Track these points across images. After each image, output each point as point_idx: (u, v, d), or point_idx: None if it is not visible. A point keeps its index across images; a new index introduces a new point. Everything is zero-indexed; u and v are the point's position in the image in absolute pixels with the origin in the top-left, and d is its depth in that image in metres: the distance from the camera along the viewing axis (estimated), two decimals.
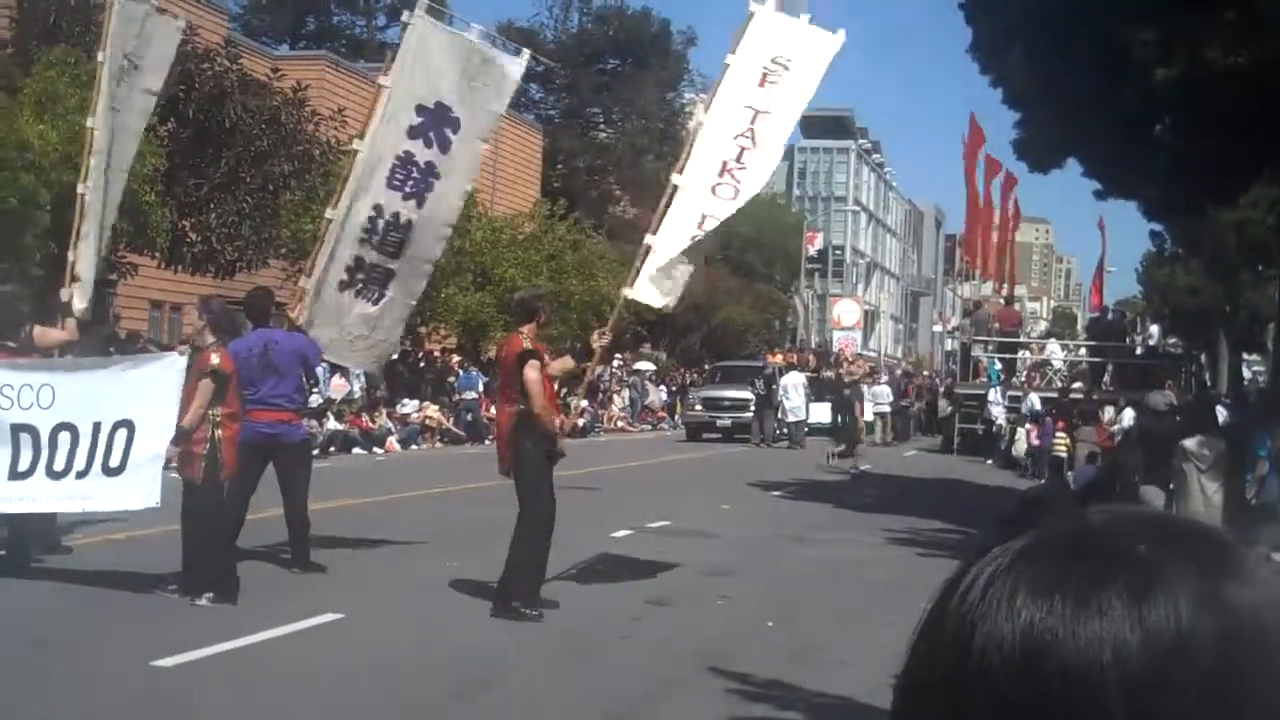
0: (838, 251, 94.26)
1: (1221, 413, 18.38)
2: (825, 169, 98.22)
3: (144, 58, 12.11)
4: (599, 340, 11.37)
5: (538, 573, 10.17)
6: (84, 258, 12.03)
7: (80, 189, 11.31)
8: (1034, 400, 30.47)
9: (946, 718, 0.85)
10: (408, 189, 12.38)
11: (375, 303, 12.61)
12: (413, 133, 12.33)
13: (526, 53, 13.27)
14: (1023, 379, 34.06)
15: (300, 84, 26.25)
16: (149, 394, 10.17)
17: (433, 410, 30.62)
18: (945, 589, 0.89)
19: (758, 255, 70.61)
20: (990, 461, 31.65)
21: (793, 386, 36.27)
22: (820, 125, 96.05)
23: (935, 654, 0.87)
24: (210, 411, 10.06)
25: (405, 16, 12.88)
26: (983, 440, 33.40)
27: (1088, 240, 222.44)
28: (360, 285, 12.51)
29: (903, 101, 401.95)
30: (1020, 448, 30.40)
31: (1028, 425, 30.19)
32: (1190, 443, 12.83)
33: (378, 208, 12.35)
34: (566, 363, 11.80)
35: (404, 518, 16.14)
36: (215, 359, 10.14)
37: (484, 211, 37.65)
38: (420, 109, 12.34)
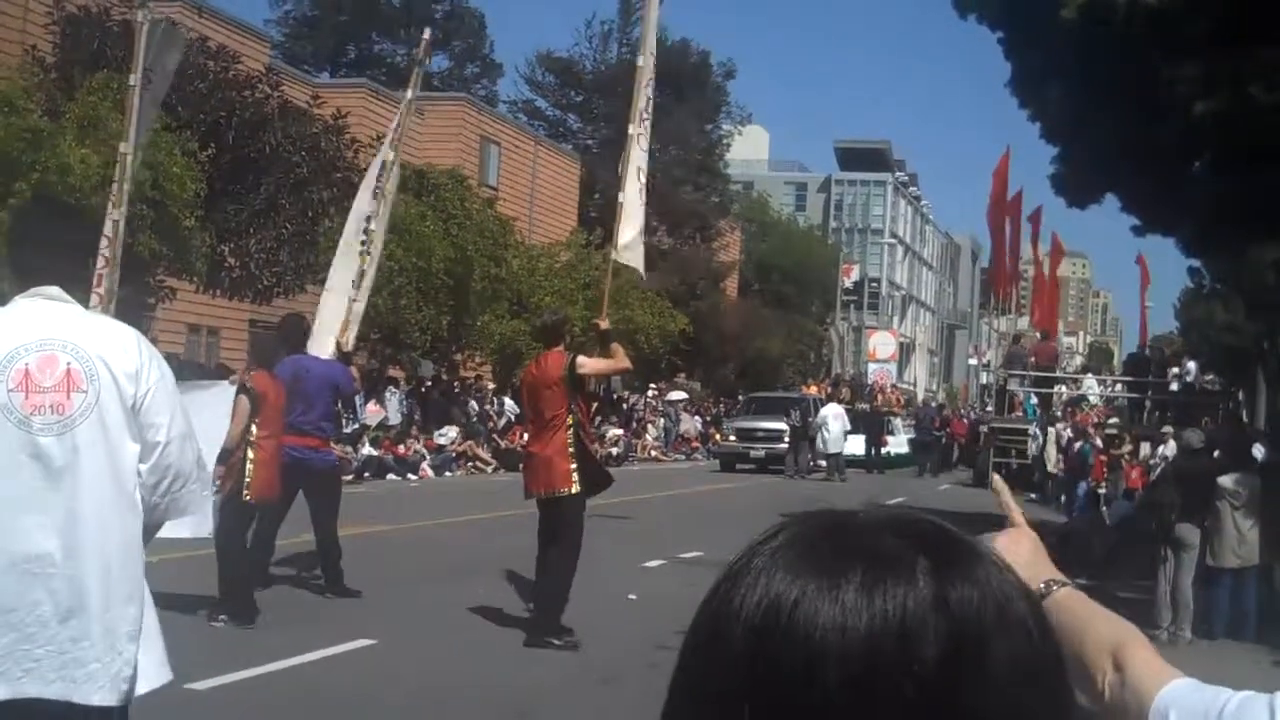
0: (874, 284, 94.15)
1: (1259, 450, 18.18)
2: (862, 201, 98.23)
3: (156, 71, 12.17)
4: (603, 324, 11.40)
5: (564, 602, 10.22)
6: (106, 281, 12.05)
7: (114, 215, 11.32)
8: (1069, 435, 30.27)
9: (700, 681, 0.91)
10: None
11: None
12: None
13: None
14: (1059, 414, 33.85)
15: (340, 111, 26.35)
16: (199, 424, 10.11)
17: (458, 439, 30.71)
18: (723, 571, 0.95)
19: (794, 287, 70.68)
20: (1034, 496, 31.46)
21: (832, 418, 35.90)
22: (857, 157, 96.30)
23: (697, 625, 0.94)
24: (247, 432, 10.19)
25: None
26: (1019, 475, 33.16)
27: (1125, 275, 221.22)
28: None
29: (940, 134, 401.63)
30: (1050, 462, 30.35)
31: (1060, 459, 30.04)
32: (1227, 480, 12.74)
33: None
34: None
35: (437, 544, 16.19)
36: (249, 378, 10.29)
37: (521, 240, 37.76)
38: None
